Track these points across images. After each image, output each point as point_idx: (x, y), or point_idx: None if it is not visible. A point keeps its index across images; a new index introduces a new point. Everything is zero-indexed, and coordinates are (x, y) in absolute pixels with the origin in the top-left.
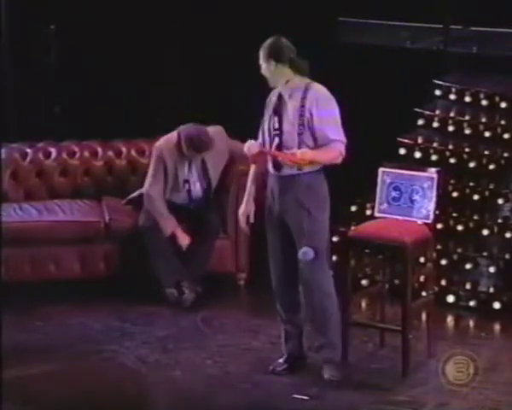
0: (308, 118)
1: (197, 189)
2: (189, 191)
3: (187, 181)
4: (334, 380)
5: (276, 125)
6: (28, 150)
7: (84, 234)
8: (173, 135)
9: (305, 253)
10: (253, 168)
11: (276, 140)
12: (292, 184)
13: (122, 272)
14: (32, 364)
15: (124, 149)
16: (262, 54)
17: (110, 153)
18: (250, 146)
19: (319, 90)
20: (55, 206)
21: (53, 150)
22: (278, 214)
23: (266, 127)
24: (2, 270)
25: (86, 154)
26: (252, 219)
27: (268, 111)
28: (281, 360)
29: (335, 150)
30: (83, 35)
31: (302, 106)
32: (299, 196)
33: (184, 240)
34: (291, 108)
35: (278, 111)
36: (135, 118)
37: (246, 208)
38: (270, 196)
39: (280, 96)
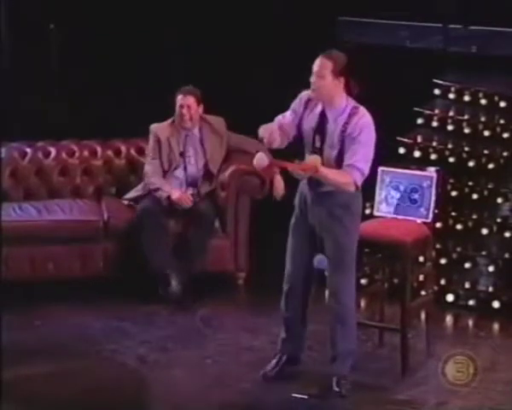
0: (348, 140)
1: (192, 163)
2: (185, 168)
3: (182, 154)
4: (338, 392)
5: (318, 144)
6: (27, 149)
7: (83, 233)
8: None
9: (320, 261)
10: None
11: None
12: (326, 200)
13: (121, 271)
14: (31, 363)
15: (123, 149)
16: (331, 67)
17: (109, 152)
18: (258, 159)
19: (365, 116)
20: (55, 205)
21: (52, 149)
22: (309, 223)
23: (306, 141)
24: (1, 269)
25: (85, 153)
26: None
27: (307, 122)
28: (273, 362)
29: (349, 176)
30: (83, 34)
31: (344, 130)
32: (333, 212)
33: (180, 197)
34: (335, 129)
35: (321, 130)
36: (134, 117)
37: None
38: (300, 203)
39: (323, 115)
